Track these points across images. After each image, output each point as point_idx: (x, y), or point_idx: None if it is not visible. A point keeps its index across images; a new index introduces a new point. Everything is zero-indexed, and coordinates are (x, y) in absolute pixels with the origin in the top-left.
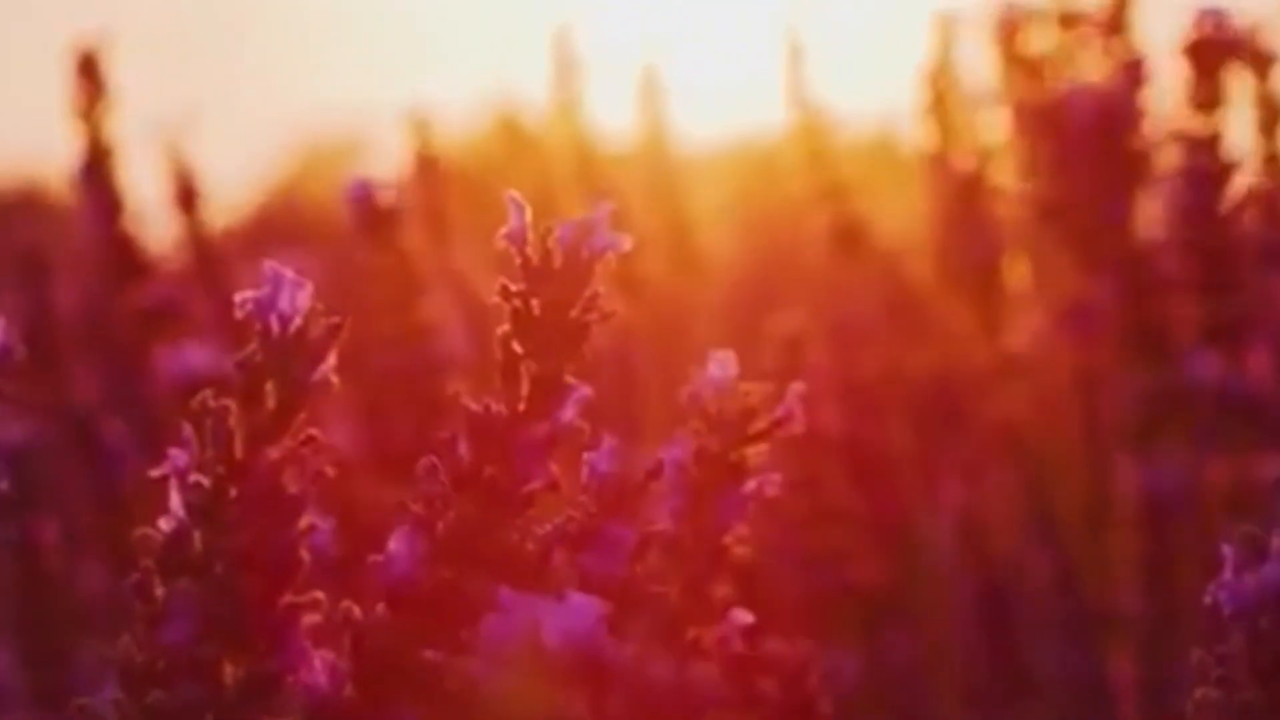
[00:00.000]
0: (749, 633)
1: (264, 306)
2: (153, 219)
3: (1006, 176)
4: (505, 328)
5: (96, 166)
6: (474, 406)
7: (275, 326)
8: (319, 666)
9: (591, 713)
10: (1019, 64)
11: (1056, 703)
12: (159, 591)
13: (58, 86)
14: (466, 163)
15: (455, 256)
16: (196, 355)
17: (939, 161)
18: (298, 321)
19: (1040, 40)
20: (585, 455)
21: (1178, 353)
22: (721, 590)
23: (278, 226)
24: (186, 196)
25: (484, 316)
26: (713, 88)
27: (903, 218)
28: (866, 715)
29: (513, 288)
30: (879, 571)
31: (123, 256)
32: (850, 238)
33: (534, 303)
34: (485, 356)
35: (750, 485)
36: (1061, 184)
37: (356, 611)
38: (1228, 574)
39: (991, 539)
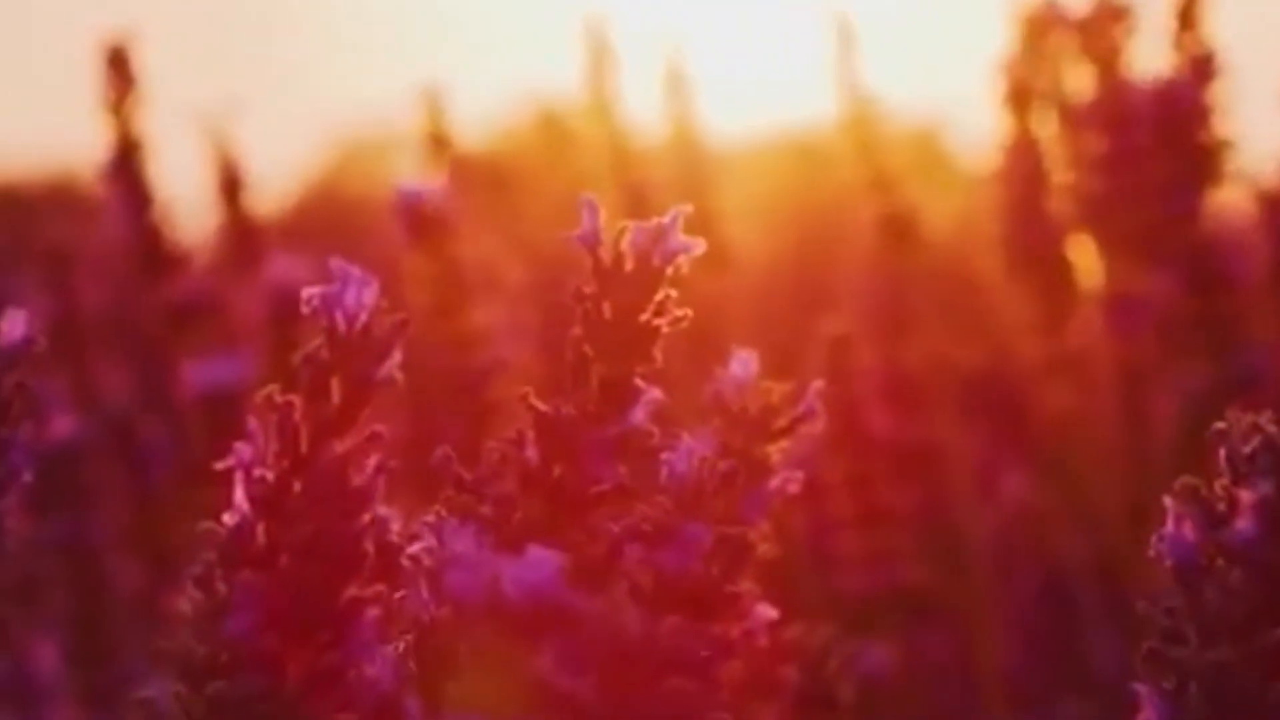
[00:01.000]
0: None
1: (330, 303)
2: (189, 211)
3: (1072, 169)
4: (576, 330)
5: (126, 160)
6: (543, 407)
7: (341, 323)
8: (383, 661)
9: (555, 665)
10: (1089, 57)
11: (1108, 698)
12: (221, 584)
13: (89, 79)
14: (500, 156)
15: (478, 245)
16: (221, 367)
17: (1005, 153)
18: (363, 318)
19: (1110, 34)
20: (663, 455)
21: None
22: (746, 585)
23: (316, 221)
24: (231, 186)
25: (527, 312)
26: (745, 81)
27: (946, 210)
28: (914, 709)
29: (585, 290)
30: (928, 568)
31: (152, 250)
32: (901, 229)
33: (605, 305)
34: (533, 357)
35: (774, 482)
36: (1128, 177)
37: (422, 609)
38: (1170, 526)
39: (1044, 534)
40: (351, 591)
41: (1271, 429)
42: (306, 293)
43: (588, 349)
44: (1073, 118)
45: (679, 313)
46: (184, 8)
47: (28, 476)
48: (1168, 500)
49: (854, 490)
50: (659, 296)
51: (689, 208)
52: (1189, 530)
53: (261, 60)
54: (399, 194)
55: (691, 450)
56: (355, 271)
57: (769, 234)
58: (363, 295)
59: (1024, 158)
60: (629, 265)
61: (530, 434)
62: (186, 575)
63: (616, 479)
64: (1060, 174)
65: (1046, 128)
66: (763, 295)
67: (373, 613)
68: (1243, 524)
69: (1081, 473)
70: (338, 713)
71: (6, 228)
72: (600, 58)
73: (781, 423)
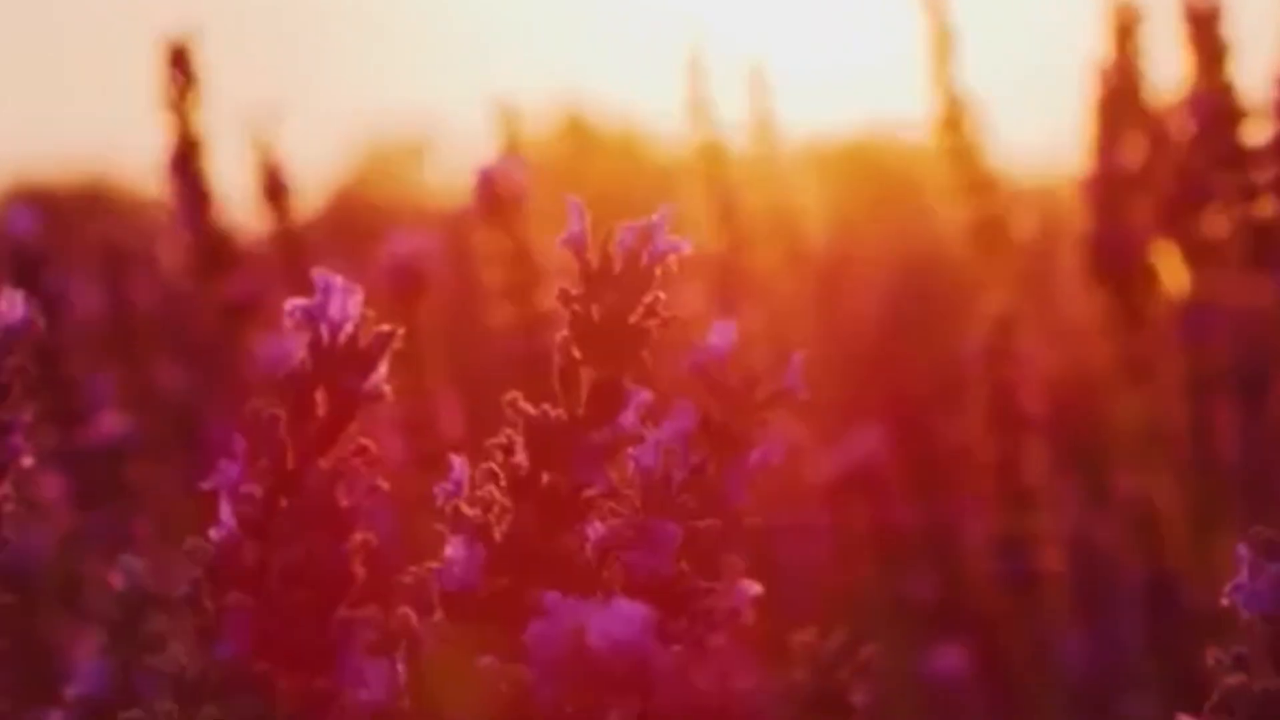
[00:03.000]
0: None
1: (314, 314)
2: (237, 212)
3: (1167, 173)
4: (564, 333)
5: (186, 158)
6: (531, 411)
7: (325, 335)
8: (374, 679)
9: (637, 717)
10: (1190, 59)
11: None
12: (209, 604)
13: (124, 85)
14: (542, 163)
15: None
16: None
17: (1095, 157)
18: (348, 329)
19: (1209, 37)
20: (631, 451)
21: None
22: (732, 560)
23: (346, 224)
24: (275, 191)
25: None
26: (829, 82)
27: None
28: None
29: (572, 293)
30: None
31: (211, 247)
32: (995, 232)
33: (594, 308)
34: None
35: (755, 455)
36: (1222, 180)
37: (414, 620)
38: (1243, 576)
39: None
40: (342, 613)
41: None
42: (289, 304)
43: (576, 352)
44: (1171, 119)
45: (668, 313)
46: (214, 13)
47: (28, 460)
48: (1241, 548)
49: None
50: (648, 298)
51: (674, 206)
52: (1265, 579)
53: (296, 64)
54: (477, 173)
55: (658, 445)
56: (339, 281)
57: (848, 232)
58: (347, 306)
59: (1114, 162)
60: (617, 267)
61: (519, 439)
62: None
63: (606, 484)
64: (1151, 176)
65: (1137, 133)
66: (842, 293)
67: (364, 634)
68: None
69: (1160, 476)
70: None
71: (41, 229)
72: (695, 67)
73: (763, 395)
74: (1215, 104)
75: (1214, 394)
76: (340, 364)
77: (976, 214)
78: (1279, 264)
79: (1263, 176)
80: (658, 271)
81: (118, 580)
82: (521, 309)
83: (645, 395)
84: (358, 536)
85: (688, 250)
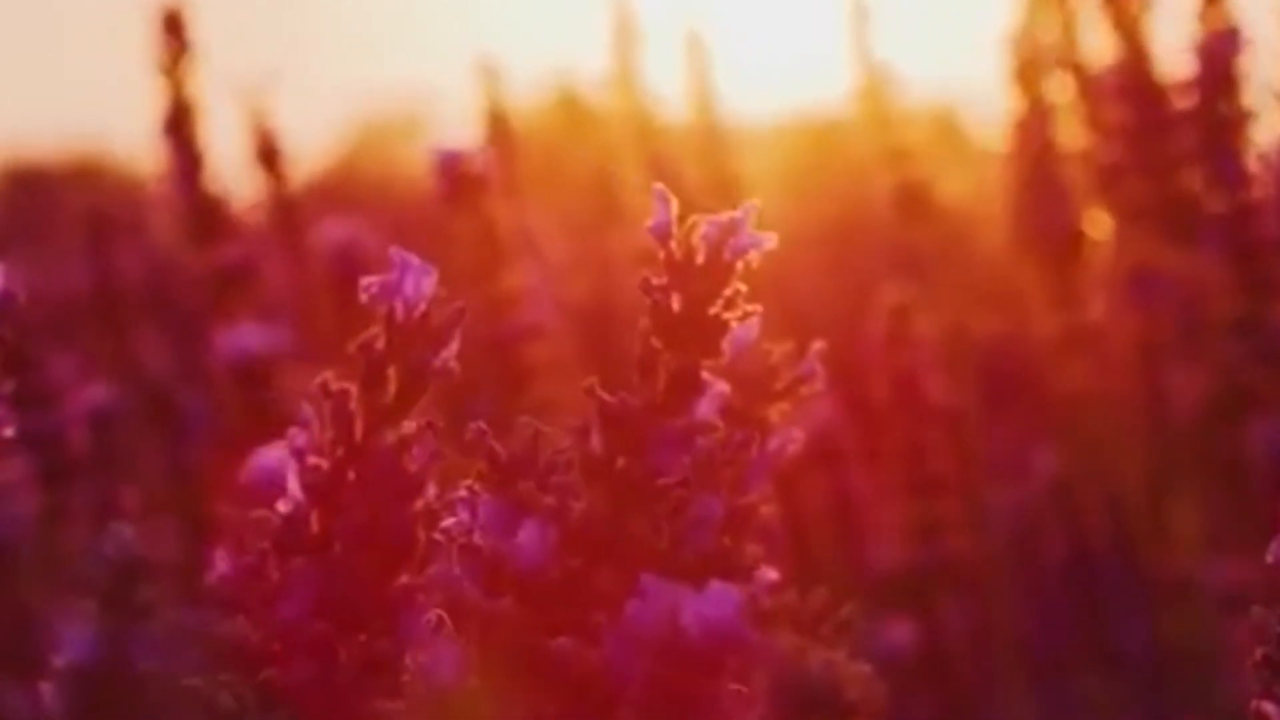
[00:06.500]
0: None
1: (389, 291)
2: (230, 180)
3: (1086, 142)
4: (645, 321)
5: (179, 124)
6: (608, 398)
7: (400, 312)
8: (439, 651)
9: (731, 700)
10: (1111, 27)
11: (1130, 671)
12: (274, 571)
13: (115, 59)
14: (529, 134)
15: (528, 218)
16: (252, 334)
17: (1018, 128)
18: (422, 307)
19: (1131, 7)
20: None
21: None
22: (749, 548)
23: (339, 195)
24: (269, 156)
25: (562, 283)
26: (764, 60)
27: (964, 186)
28: (938, 681)
29: (655, 282)
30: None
31: (203, 213)
32: (915, 200)
33: (675, 298)
34: (566, 324)
35: (774, 443)
36: (1146, 150)
37: (484, 601)
38: None
39: (1067, 508)
40: (404, 579)
41: None
42: (365, 281)
43: (656, 341)
44: (1093, 88)
45: (748, 307)
46: None
47: (9, 431)
48: None
49: (899, 460)
50: (728, 291)
51: (759, 202)
52: None
53: (290, 37)
54: (437, 154)
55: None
56: (414, 260)
57: (787, 208)
58: (422, 284)
59: (1035, 131)
60: (700, 259)
61: (594, 424)
62: (220, 549)
63: (681, 472)
64: (1076, 146)
65: (1060, 99)
66: (781, 267)
67: (426, 600)
68: None
69: (1100, 447)
70: (390, 700)
71: (34, 203)
72: (624, 34)
73: (782, 384)
74: (1127, 76)
75: (1160, 362)
76: (413, 341)
77: (897, 182)
78: (1208, 235)
79: (1183, 147)
80: (739, 266)
81: (107, 548)
82: (486, 292)
83: (722, 386)
84: (421, 503)
85: (770, 246)
